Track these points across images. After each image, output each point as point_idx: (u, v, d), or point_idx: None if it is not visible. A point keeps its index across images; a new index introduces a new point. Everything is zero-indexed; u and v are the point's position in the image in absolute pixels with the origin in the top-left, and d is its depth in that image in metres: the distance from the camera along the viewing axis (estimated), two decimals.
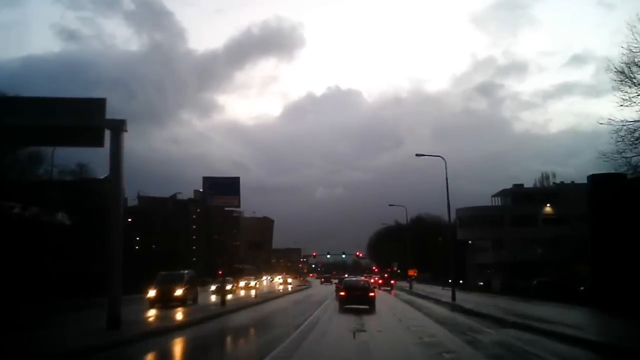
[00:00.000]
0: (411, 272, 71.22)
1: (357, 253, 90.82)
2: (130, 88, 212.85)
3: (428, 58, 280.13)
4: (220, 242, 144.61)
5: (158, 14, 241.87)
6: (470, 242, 70.15)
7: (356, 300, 29.34)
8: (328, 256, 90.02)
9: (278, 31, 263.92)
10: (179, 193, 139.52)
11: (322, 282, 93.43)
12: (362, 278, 44.02)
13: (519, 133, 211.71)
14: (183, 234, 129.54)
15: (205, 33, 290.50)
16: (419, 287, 66.21)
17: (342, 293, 30.37)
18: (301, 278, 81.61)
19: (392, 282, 75.02)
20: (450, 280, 72.59)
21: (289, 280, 74.46)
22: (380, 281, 76.22)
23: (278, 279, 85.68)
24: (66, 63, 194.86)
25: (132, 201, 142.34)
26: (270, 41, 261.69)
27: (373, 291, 31.61)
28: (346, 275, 72.56)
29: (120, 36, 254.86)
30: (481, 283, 63.00)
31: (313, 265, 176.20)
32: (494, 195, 75.88)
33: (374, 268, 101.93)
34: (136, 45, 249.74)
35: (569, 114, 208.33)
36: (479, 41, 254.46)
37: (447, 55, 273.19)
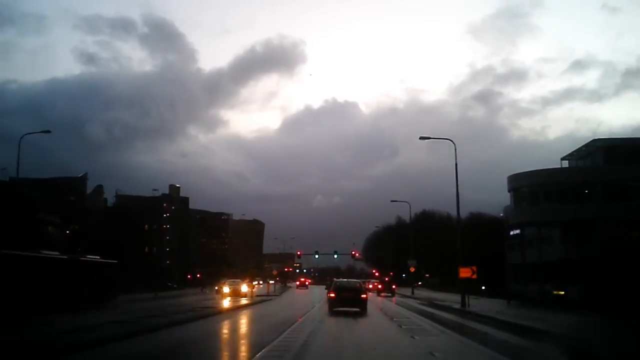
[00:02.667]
0: (465, 273, 33.88)
1: (353, 252, 72.63)
2: (144, 106, 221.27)
3: (425, 69, 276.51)
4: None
5: (170, 36, 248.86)
6: (515, 231, 47.05)
7: (347, 302, 27.38)
8: (316, 256, 71.74)
9: (280, 48, 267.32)
10: (155, 190, 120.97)
11: (297, 287, 76.26)
12: (356, 280, 38.85)
13: (516, 140, 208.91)
14: (156, 235, 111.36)
15: (212, 53, 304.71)
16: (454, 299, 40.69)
17: (332, 295, 28.00)
18: (269, 283, 60.30)
19: (392, 287, 59.45)
20: (483, 288, 54.96)
21: (244, 288, 47.33)
22: (379, 286, 61.02)
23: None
24: (86, 84, 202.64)
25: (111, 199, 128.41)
26: (273, 58, 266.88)
27: (365, 293, 29.31)
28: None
29: (136, 58, 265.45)
30: (561, 292, 38.40)
31: (305, 270, 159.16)
32: (564, 158, 45.98)
33: (373, 271, 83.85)
34: (150, 66, 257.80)
35: (569, 119, 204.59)
36: (477, 51, 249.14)
37: (444, 66, 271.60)
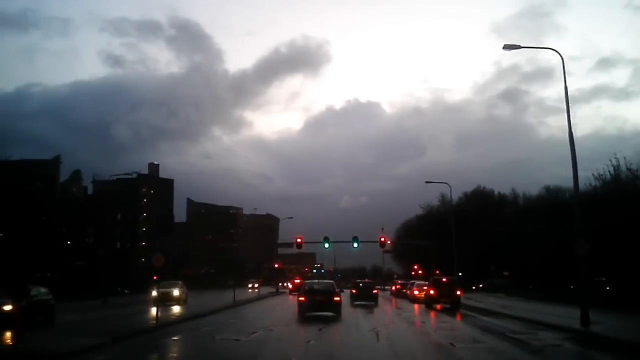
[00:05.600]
0: None
1: (381, 239, 47.57)
2: (169, 108, 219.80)
3: (449, 69, 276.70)
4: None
5: (196, 38, 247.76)
6: None
7: (319, 307, 25.14)
8: (326, 246, 47.21)
9: (305, 49, 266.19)
10: (135, 172, 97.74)
11: (291, 291, 52.44)
12: (328, 281, 32.05)
13: (543, 139, 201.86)
14: (130, 225, 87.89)
15: (237, 54, 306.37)
16: None
17: (301, 298, 25.43)
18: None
19: (457, 292, 31.70)
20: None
21: None
22: (432, 291, 32.65)
23: None
24: (110, 87, 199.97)
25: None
26: (297, 58, 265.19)
27: (338, 295, 25.75)
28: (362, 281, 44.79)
29: (162, 59, 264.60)
30: None
31: (323, 272, 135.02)
32: None
33: (414, 268, 58.24)
34: (176, 68, 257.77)
35: (597, 117, 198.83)
36: (502, 50, 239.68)
37: (469, 65, 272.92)
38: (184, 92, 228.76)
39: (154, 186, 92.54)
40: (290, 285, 54.60)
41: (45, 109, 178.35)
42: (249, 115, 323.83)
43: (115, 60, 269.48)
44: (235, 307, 33.59)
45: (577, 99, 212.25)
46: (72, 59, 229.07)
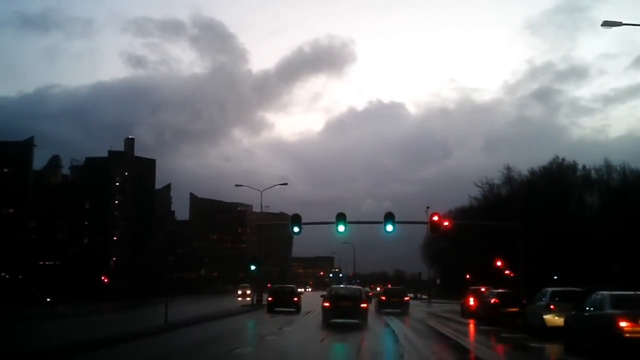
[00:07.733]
0: None
1: (433, 218, 29.42)
2: (190, 109, 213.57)
3: (477, 68, 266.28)
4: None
5: (219, 38, 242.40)
6: None
7: (344, 313, 23.90)
8: (340, 229, 29.64)
9: (329, 48, 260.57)
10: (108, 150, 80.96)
11: (269, 304, 31.15)
12: (356, 286, 33.01)
13: (575, 140, 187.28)
14: (99, 215, 70.72)
15: (260, 54, 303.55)
16: None
17: (327, 304, 24.40)
18: None
19: None
20: None
21: None
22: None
23: None
24: (131, 88, 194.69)
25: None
26: (321, 58, 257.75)
27: (365, 302, 25.01)
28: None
29: (186, 60, 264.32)
30: None
31: (341, 275, 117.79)
32: None
33: (498, 263, 38.93)
34: (200, 68, 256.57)
35: (632, 118, 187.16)
36: (536, 47, 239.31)
37: (499, 64, 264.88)
38: (207, 93, 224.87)
39: (129, 167, 74.53)
40: (271, 299, 34.08)
41: (65, 110, 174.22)
42: (270, 116, 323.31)
43: (137, 61, 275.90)
44: None
45: (611, 99, 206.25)
46: (94, 60, 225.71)
